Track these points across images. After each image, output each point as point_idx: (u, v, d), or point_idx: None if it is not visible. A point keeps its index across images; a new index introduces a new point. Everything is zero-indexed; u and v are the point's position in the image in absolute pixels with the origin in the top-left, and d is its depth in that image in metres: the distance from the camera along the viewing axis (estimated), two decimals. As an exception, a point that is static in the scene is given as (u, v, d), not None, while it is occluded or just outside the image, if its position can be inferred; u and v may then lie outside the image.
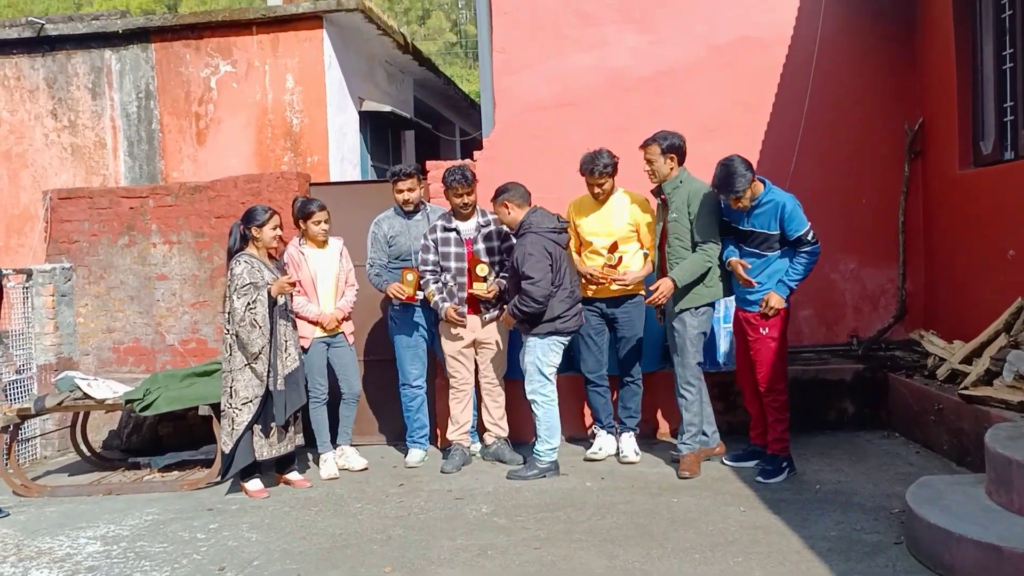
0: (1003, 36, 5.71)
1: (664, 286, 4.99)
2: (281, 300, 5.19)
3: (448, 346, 5.60)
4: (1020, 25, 5.45)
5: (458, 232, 5.55)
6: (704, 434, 5.25)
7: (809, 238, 4.81)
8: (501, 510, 4.65)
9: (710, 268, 5.00)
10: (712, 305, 5.14)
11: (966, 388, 4.93)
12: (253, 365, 5.07)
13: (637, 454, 5.48)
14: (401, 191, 5.68)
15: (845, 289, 6.70)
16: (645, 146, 5.13)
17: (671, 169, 5.08)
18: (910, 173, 6.54)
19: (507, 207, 5.28)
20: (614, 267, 5.29)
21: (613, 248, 5.30)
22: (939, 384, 5.36)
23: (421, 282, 5.52)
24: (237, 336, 5.05)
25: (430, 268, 5.55)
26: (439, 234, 5.55)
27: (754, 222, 4.89)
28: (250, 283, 5.04)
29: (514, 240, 5.36)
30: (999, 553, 3.21)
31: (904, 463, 5.14)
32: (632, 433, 5.55)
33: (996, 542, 3.25)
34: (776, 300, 4.82)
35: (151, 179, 8.68)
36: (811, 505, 4.44)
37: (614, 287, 5.32)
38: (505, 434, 5.74)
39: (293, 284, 5.20)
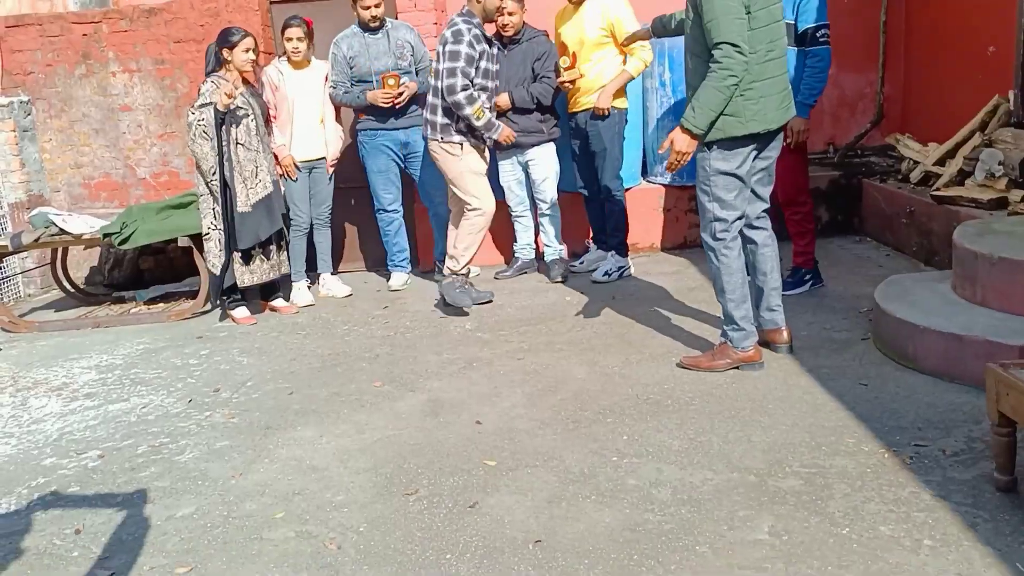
0: None
1: (676, 141, 3.45)
2: (242, 119, 4.95)
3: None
4: None
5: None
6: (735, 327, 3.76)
7: (819, 36, 4.40)
8: (484, 326, 4.78)
9: (734, 86, 3.32)
10: (740, 140, 3.46)
11: (938, 189, 4.99)
12: (210, 184, 4.98)
13: (607, 275, 5.39)
14: (368, 7, 5.33)
15: (823, 96, 6.56)
16: None
17: None
18: (895, -30, 6.30)
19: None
20: (573, 82, 5.13)
21: (572, 64, 5.14)
22: (912, 187, 5.41)
23: (470, 96, 4.77)
24: (194, 153, 4.95)
25: (473, 83, 4.85)
26: (482, 46, 4.86)
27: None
28: (209, 102, 4.88)
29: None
30: (960, 341, 3.37)
31: (874, 266, 5.28)
32: (611, 253, 5.47)
33: (958, 331, 3.40)
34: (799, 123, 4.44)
35: (101, 3, 8.19)
36: (784, 309, 4.58)
37: (584, 100, 5.20)
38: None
39: (231, 95, 4.78)
